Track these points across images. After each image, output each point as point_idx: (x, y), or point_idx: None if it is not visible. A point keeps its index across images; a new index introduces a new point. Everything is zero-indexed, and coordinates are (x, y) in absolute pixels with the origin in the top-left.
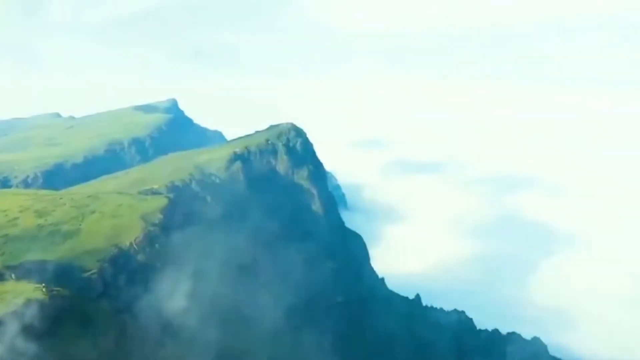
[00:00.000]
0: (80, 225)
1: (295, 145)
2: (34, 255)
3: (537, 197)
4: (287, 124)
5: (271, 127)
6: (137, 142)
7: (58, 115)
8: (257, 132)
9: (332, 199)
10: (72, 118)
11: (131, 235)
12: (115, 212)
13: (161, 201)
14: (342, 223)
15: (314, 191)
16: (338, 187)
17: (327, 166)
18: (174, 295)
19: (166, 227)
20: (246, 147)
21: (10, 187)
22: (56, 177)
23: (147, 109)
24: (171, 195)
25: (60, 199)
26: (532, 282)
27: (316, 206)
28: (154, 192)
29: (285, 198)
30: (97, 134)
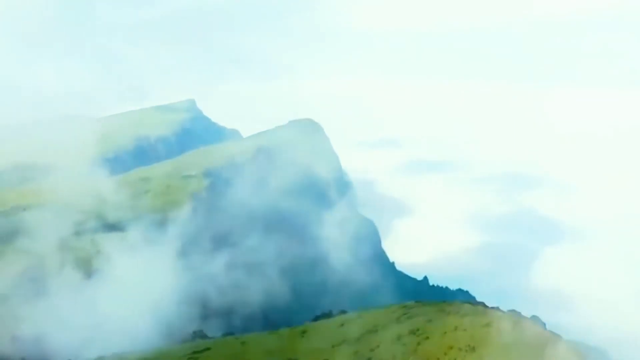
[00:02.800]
0: (138, 201)
1: (313, 139)
2: None
3: (545, 194)
4: (305, 119)
5: (291, 123)
6: (163, 139)
7: (81, 116)
8: (277, 127)
9: (346, 187)
10: (94, 119)
11: (182, 209)
12: (165, 191)
13: (203, 182)
14: (355, 208)
15: (331, 179)
16: (350, 183)
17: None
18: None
19: (210, 203)
20: (269, 140)
21: None
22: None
23: (167, 109)
24: (210, 179)
25: (118, 182)
26: (536, 269)
27: (332, 192)
28: (192, 177)
29: (305, 185)
30: (123, 132)
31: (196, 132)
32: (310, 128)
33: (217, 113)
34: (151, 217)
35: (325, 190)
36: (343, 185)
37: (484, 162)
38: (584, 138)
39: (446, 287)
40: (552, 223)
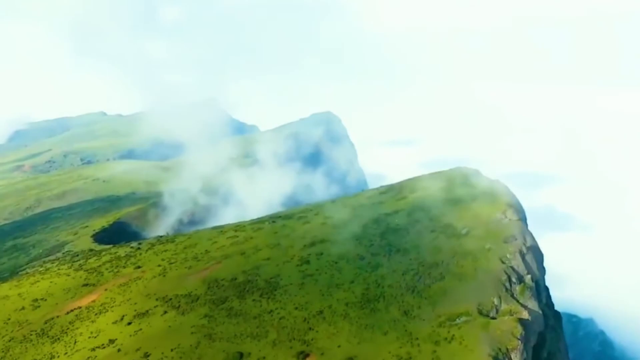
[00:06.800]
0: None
1: (332, 129)
2: None
3: (557, 191)
4: (325, 112)
5: (313, 115)
6: (191, 132)
7: (104, 113)
8: (301, 119)
9: (362, 172)
10: (120, 116)
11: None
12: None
13: (251, 160)
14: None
15: (348, 164)
16: (363, 175)
17: None
18: None
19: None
20: (295, 130)
21: None
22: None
23: (189, 106)
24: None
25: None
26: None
27: (350, 176)
28: (233, 158)
29: (326, 168)
30: (153, 127)
31: (219, 127)
32: (330, 118)
33: (238, 111)
34: None
35: (344, 173)
36: (357, 172)
37: (496, 162)
38: (594, 137)
39: None
40: (563, 218)
